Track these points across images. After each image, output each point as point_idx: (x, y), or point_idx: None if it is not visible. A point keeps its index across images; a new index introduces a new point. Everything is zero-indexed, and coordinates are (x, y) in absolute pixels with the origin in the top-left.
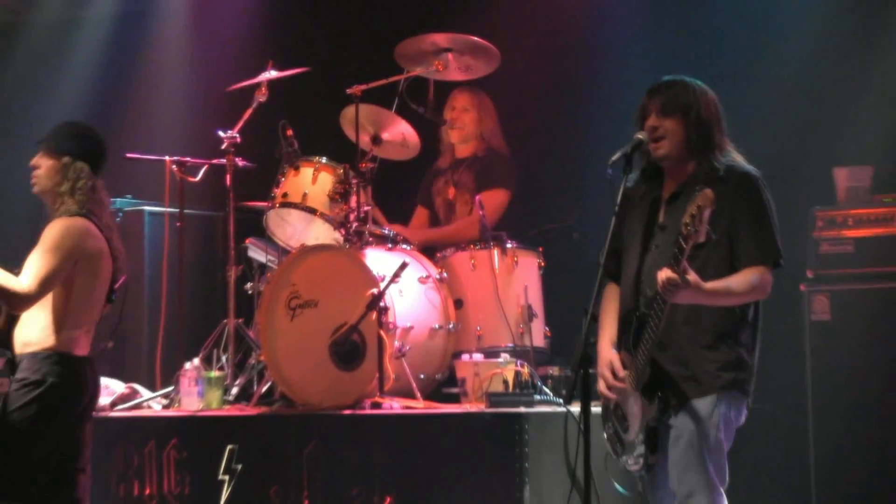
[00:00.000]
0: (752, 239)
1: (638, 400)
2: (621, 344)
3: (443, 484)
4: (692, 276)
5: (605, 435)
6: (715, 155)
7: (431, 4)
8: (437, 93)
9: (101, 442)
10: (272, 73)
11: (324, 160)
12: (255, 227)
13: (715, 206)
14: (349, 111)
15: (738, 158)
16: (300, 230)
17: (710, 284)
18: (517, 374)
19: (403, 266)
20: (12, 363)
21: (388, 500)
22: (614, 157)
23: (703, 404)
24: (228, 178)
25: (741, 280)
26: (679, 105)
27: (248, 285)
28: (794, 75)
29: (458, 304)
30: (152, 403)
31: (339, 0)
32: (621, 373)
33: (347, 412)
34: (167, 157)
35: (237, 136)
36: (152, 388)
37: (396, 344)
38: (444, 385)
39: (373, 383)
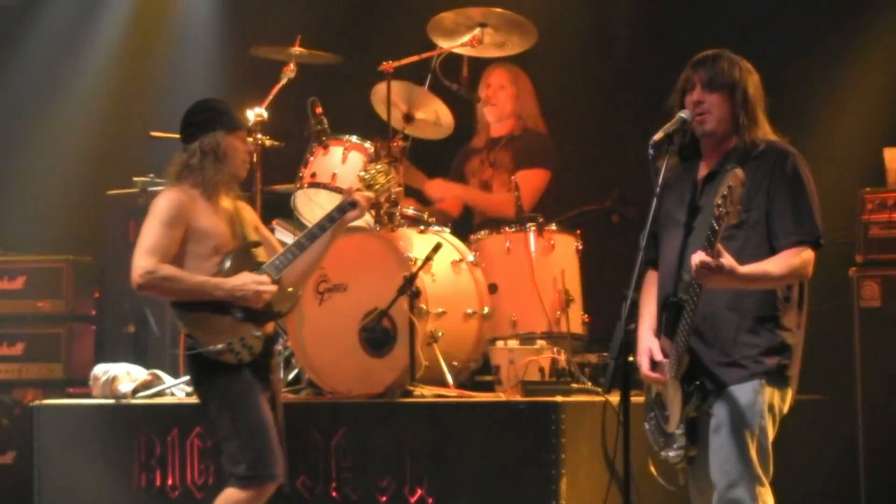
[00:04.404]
0: (790, 217)
1: (677, 390)
2: (661, 331)
3: (476, 476)
4: (727, 260)
5: (647, 427)
6: (755, 132)
7: None
8: (472, 69)
9: (123, 430)
10: (300, 51)
11: (354, 139)
12: (282, 208)
13: (745, 186)
14: (381, 88)
15: (774, 137)
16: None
17: (746, 268)
18: (554, 361)
19: (437, 247)
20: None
21: (420, 491)
22: (656, 137)
23: (744, 391)
24: (255, 157)
25: (779, 263)
26: (726, 81)
27: None
28: (842, 52)
29: (493, 288)
30: (175, 390)
31: None
32: (659, 358)
33: (377, 400)
34: None
35: (264, 113)
36: (175, 374)
37: (428, 329)
38: (477, 373)
39: (403, 370)
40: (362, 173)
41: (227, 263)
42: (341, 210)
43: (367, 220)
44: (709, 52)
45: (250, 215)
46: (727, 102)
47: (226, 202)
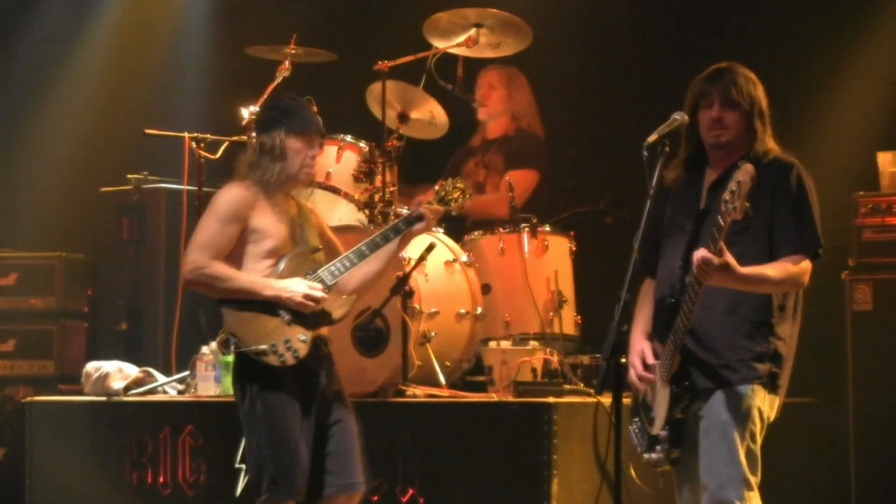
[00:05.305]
0: (792, 227)
1: (666, 392)
2: (656, 334)
3: (468, 476)
4: (729, 257)
5: (632, 429)
6: (767, 143)
7: None
8: (467, 70)
9: (115, 427)
10: (296, 50)
11: (349, 138)
12: None
13: (755, 181)
14: (376, 87)
15: (779, 151)
16: (323, 210)
17: (745, 269)
18: (546, 362)
19: (430, 248)
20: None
21: (411, 491)
22: (650, 139)
23: (735, 394)
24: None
25: (777, 268)
26: (744, 97)
27: None
28: (835, 56)
29: (486, 289)
30: (167, 388)
31: None
32: (651, 360)
33: (369, 400)
34: (186, 134)
35: (259, 111)
36: (168, 372)
37: (421, 329)
38: (469, 373)
39: (396, 370)
40: (437, 187)
41: (283, 266)
42: (408, 222)
43: (361, 218)
44: (720, 65)
45: (316, 219)
46: (744, 118)
47: (291, 204)
